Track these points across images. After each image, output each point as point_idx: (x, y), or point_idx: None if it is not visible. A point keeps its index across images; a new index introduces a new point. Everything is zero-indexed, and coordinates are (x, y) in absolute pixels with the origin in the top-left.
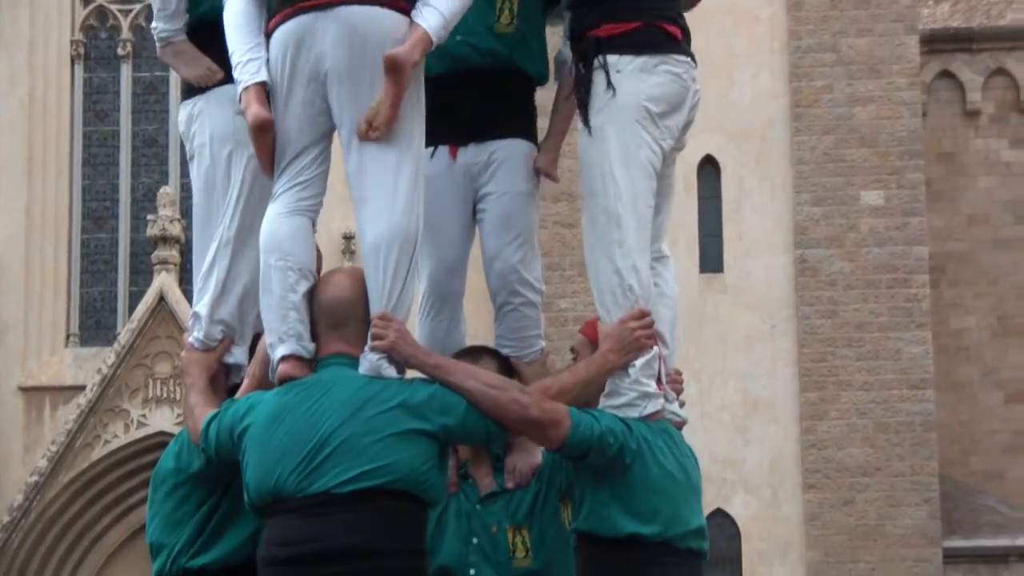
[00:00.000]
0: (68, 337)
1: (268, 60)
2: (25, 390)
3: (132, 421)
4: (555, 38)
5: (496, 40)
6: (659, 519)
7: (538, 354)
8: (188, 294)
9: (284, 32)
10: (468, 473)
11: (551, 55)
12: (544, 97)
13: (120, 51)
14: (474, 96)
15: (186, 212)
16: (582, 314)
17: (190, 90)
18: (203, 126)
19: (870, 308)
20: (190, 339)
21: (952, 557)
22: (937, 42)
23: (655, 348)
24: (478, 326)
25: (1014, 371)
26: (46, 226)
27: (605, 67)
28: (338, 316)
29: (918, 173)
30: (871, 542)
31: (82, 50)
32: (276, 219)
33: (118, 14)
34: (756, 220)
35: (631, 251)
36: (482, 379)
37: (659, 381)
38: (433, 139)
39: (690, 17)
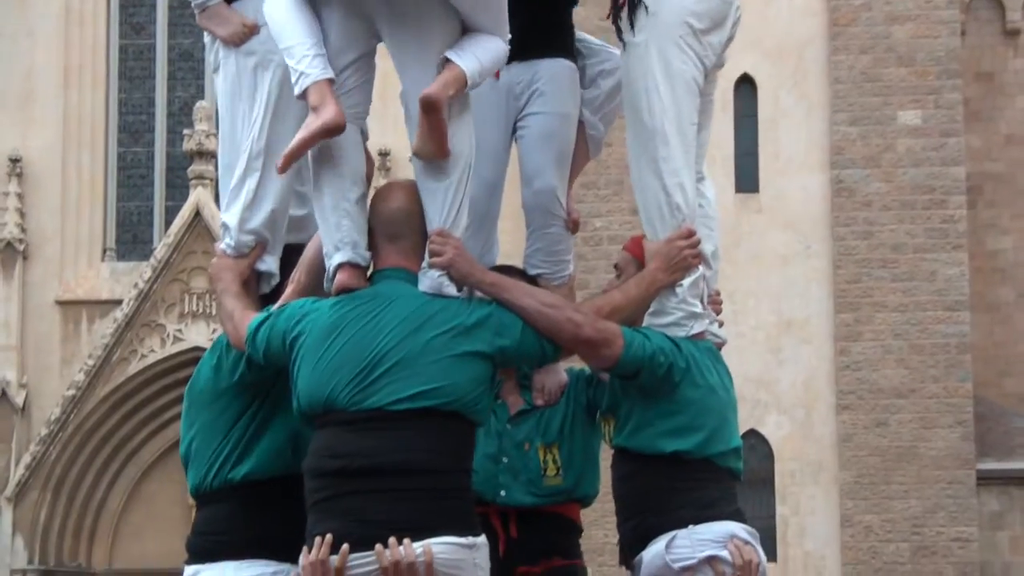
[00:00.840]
0: (104, 251)
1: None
2: (62, 303)
3: (168, 336)
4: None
5: None
6: (703, 437)
7: (567, 278)
8: None
9: None
10: (497, 392)
11: None
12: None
13: None
14: (520, 15)
15: None
16: (616, 232)
17: None
18: None
19: (906, 229)
20: (221, 246)
21: (985, 479)
22: None
23: (700, 268)
24: (511, 245)
25: None
26: (82, 139)
27: None
28: (395, 227)
29: (956, 93)
30: (904, 464)
31: None
32: None
33: None
34: (792, 139)
35: (678, 169)
36: (538, 297)
37: (702, 301)
38: None
39: None
